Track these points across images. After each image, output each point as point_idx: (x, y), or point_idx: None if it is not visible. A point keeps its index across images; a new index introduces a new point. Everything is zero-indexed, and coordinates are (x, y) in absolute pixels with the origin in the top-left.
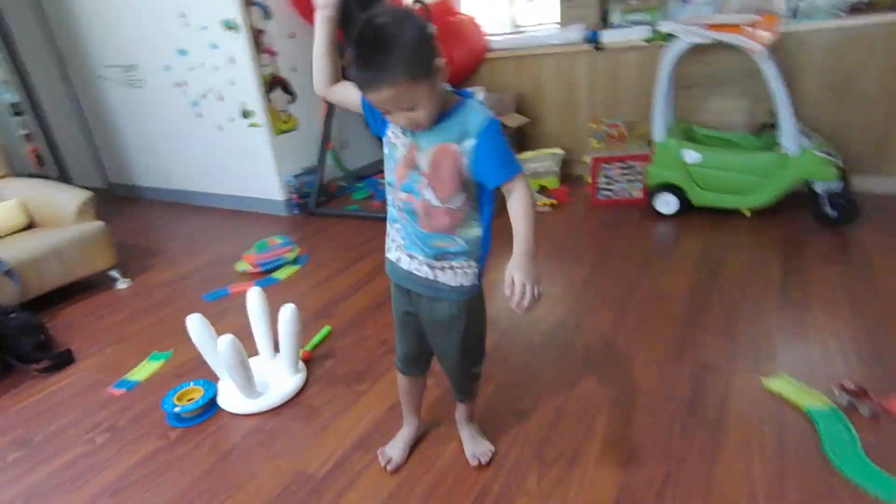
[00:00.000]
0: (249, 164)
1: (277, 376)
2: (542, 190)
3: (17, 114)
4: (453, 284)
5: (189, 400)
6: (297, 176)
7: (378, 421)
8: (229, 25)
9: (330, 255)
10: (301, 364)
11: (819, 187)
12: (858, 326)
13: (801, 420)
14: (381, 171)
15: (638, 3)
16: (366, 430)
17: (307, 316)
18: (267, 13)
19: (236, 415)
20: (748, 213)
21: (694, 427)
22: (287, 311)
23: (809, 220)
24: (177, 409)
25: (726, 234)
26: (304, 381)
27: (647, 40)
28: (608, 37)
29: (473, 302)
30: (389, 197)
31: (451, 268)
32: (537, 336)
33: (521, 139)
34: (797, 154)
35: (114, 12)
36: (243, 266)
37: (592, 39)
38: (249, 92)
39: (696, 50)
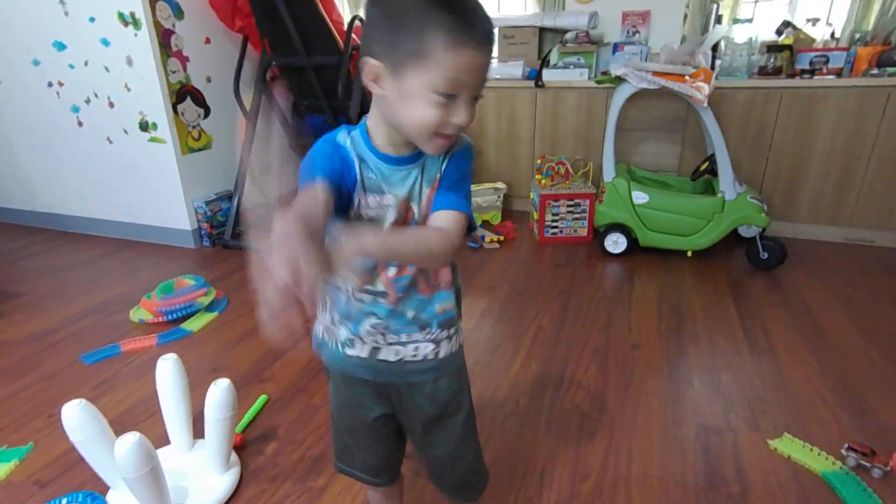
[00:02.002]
0: (147, 186)
1: (200, 476)
2: (486, 225)
3: None
4: (454, 351)
5: None
6: (209, 202)
7: None
8: (127, 20)
9: (254, 298)
10: (233, 455)
11: (745, 231)
12: (829, 376)
13: (820, 487)
14: None
15: (574, 47)
16: None
17: (233, 381)
18: (178, 12)
19: None
20: (690, 254)
21: None
22: (219, 391)
23: (743, 262)
24: None
25: (675, 275)
26: (238, 480)
27: (598, 81)
28: (548, 75)
29: (464, 365)
30: (348, 287)
31: (450, 336)
32: (522, 398)
33: None
34: (733, 199)
35: None
36: (141, 314)
37: (533, 77)
38: (151, 101)
39: (635, 95)
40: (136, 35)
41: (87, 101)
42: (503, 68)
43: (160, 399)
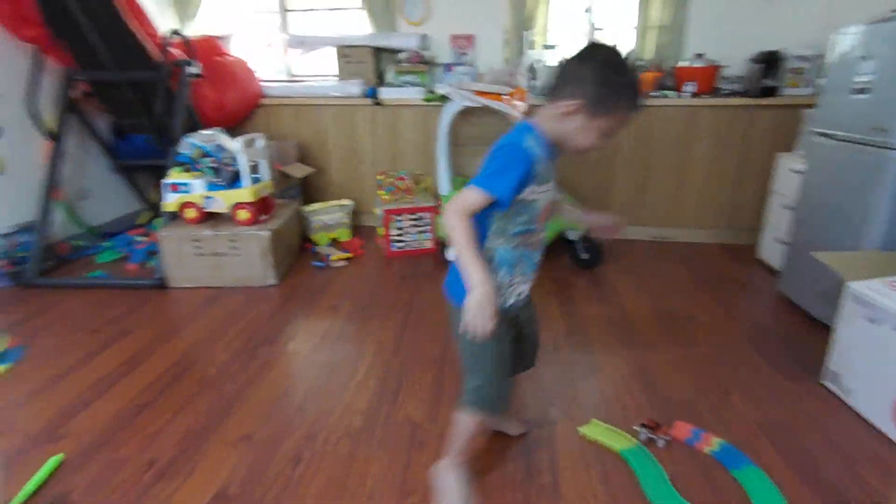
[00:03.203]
0: None
1: None
2: (335, 243)
3: None
4: None
5: None
6: (5, 235)
7: None
8: None
9: (60, 343)
10: None
11: (571, 235)
12: (631, 362)
13: (618, 463)
14: (137, 227)
15: (408, 66)
16: None
17: (20, 444)
18: None
19: None
20: None
21: (535, 497)
22: None
23: (569, 263)
24: None
25: None
26: None
27: (427, 100)
28: (386, 94)
29: None
30: (513, 244)
31: None
32: (356, 418)
33: (307, 190)
34: None
35: None
36: None
37: (371, 95)
38: None
39: (466, 112)
40: None
41: None
42: (342, 86)
43: None
